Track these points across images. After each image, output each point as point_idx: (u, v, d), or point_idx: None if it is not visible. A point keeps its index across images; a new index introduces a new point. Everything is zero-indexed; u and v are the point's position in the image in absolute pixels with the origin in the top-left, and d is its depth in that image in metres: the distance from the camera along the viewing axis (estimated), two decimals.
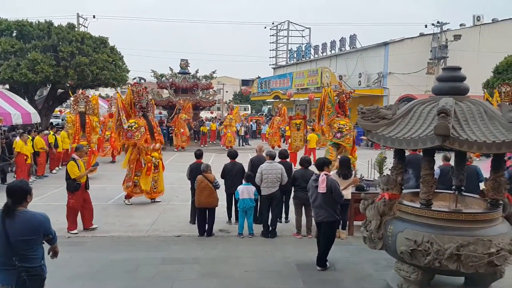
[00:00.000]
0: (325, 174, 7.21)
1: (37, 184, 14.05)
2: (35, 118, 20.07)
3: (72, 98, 16.20)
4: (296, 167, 13.77)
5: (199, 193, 8.67)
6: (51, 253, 4.78)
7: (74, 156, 9.13)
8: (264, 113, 53.18)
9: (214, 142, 29.73)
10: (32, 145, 14.83)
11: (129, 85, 12.12)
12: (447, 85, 5.84)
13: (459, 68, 6.00)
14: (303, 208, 8.88)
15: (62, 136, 16.68)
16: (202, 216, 8.84)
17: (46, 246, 4.68)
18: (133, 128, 11.02)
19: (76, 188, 8.97)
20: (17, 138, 14.03)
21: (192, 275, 6.86)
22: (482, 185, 7.08)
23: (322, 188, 7.07)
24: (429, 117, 5.45)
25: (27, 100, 23.71)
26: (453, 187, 6.58)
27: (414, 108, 5.78)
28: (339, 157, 9.51)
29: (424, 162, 5.63)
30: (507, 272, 5.74)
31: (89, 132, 15.35)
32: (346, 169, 8.63)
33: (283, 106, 28.18)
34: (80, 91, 15.81)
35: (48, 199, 12.11)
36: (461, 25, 34.38)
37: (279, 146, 23.98)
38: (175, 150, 24.97)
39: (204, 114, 38.08)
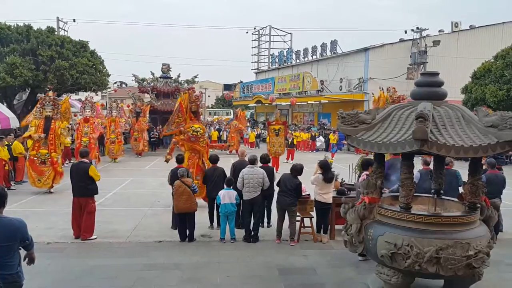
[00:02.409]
0: (366, 174, 7.44)
1: (15, 189, 13.84)
2: (14, 122, 19.73)
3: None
4: (278, 172, 13.83)
5: (177, 198, 8.61)
6: (27, 259, 4.70)
7: (85, 160, 8.99)
8: (247, 118, 53.24)
9: None
10: (11, 150, 14.56)
11: (186, 90, 11.98)
12: (426, 90, 5.92)
13: (437, 73, 6.09)
14: (286, 214, 8.86)
15: (14, 146, 14.95)
16: (182, 221, 8.78)
17: (22, 253, 4.61)
18: (198, 134, 11.01)
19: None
20: None
21: (173, 281, 6.81)
22: (461, 189, 7.19)
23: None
24: (407, 122, 5.52)
25: (5, 104, 23.35)
26: (432, 190, 6.68)
27: (393, 113, 5.85)
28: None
29: (403, 166, 5.70)
30: (485, 274, 5.83)
31: (52, 139, 13.51)
32: (329, 172, 8.70)
33: (239, 110, 28.40)
34: (51, 93, 14.24)
35: (26, 205, 11.90)
36: (440, 31, 34.97)
37: (236, 151, 24.14)
38: (135, 155, 24.37)
39: None
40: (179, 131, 11.30)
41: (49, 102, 13.65)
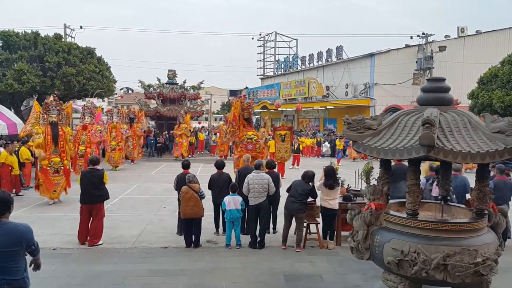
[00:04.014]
0: None
1: (22, 195, 13.90)
2: (21, 128, 19.84)
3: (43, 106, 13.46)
4: (284, 177, 13.80)
5: (185, 204, 8.61)
6: (33, 265, 4.70)
7: (98, 167, 9.07)
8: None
9: (202, 152, 29.69)
10: (18, 156, 14.60)
11: (239, 98, 11.93)
12: (432, 96, 5.89)
13: (444, 79, 6.06)
14: (293, 219, 8.82)
15: (21, 151, 14.78)
16: (188, 227, 8.78)
17: (28, 258, 4.61)
18: (253, 140, 10.98)
19: None
20: (1, 149, 13.83)
21: (179, 287, 6.79)
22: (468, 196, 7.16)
23: (435, 192, 7.62)
24: (414, 128, 5.49)
25: (13, 110, 23.52)
26: (439, 197, 6.63)
27: (399, 119, 5.83)
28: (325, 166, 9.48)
29: (410, 172, 5.66)
30: (493, 282, 5.77)
31: (62, 146, 13.04)
32: (331, 179, 8.66)
33: (230, 115, 28.40)
34: (51, 98, 13.60)
35: (32, 210, 11.95)
36: (446, 36, 34.92)
37: (226, 157, 24.14)
38: (131, 162, 23.73)
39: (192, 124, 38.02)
40: (235, 146, 11.31)
41: (54, 107, 13.02)
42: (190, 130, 29.93)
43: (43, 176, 12.67)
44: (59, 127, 13.06)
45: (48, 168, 12.74)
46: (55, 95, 24.13)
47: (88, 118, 18.67)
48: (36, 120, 13.24)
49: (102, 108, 27.08)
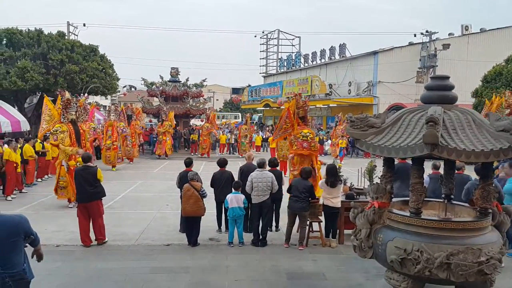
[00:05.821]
0: None
1: (26, 192, 13.93)
2: (25, 126, 19.90)
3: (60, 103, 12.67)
4: (287, 175, 13.78)
5: (185, 202, 8.57)
6: (35, 256, 4.70)
7: (90, 164, 8.99)
8: (255, 121, 53.22)
9: None
10: (21, 153, 14.62)
11: (295, 96, 11.88)
12: (436, 94, 5.86)
13: (447, 77, 6.03)
14: (297, 218, 8.81)
15: (25, 148, 14.64)
16: (190, 225, 8.75)
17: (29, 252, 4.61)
18: (308, 138, 10.96)
19: None
20: (5, 146, 13.86)
21: (182, 284, 6.79)
22: None
23: None
24: (417, 126, 5.46)
25: (16, 108, 23.61)
26: (443, 195, 6.61)
27: (403, 117, 5.80)
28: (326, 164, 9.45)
29: (413, 170, 5.64)
30: (497, 281, 5.75)
31: (84, 145, 12.70)
32: (333, 176, 8.65)
33: (211, 112, 28.34)
34: (68, 94, 12.85)
35: (37, 207, 11.98)
36: (449, 34, 34.77)
37: (207, 155, 24.05)
38: (129, 162, 22.78)
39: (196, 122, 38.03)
40: (290, 145, 11.29)
41: (74, 104, 12.53)
42: (193, 128, 29.95)
43: (70, 177, 11.85)
44: (78, 124, 12.68)
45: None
46: (58, 92, 24.22)
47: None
48: (50, 118, 12.67)
49: (98, 104, 26.89)
